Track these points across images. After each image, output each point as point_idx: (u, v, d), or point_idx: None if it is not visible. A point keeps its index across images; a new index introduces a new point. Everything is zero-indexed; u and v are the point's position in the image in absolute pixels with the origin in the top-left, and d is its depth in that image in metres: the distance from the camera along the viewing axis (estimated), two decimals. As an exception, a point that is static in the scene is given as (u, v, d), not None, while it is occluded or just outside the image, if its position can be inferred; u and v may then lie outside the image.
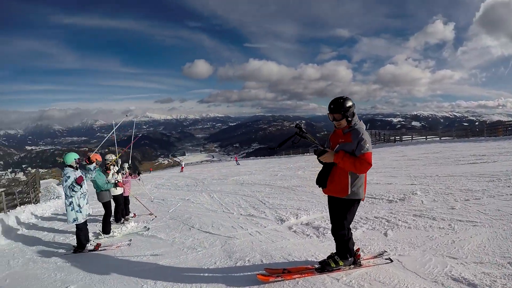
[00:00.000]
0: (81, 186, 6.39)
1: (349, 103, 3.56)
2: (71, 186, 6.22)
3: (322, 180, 3.73)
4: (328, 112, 3.66)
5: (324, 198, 8.22)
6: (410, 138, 32.39)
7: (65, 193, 6.42)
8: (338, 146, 3.63)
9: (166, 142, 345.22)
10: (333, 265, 3.85)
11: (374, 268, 3.88)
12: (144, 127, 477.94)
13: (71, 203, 6.38)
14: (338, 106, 3.56)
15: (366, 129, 3.66)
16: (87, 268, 5.44)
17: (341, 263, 3.84)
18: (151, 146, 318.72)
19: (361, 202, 3.83)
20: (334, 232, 3.84)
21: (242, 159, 59.34)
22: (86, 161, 7.08)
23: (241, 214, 8.06)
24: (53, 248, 7.19)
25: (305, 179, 13.08)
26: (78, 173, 6.53)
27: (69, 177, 6.28)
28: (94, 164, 6.89)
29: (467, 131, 29.18)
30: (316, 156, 3.74)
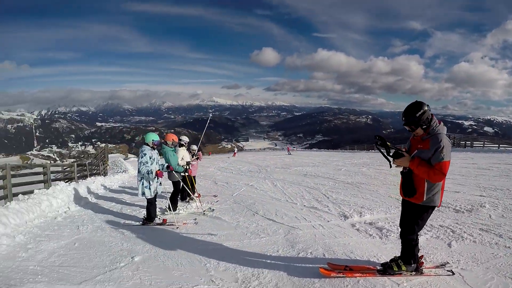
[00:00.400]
0: (155, 176, 6.82)
1: (420, 111, 3.46)
2: (145, 168, 6.68)
3: (408, 190, 3.65)
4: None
5: (389, 199, 8.17)
6: (482, 145, 30.51)
7: (138, 169, 6.86)
8: (416, 152, 3.57)
9: (231, 127, 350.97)
10: (395, 269, 3.85)
11: (435, 278, 3.82)
12: (210, 111, 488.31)
13: (141, 179, 6.84)
14: (408, 117, 3.51)
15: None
16: (153, 240, 5.77)
17: (403, 268, 3.83)
18: (216, 129, 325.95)
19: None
20: (402, 235, 3.83)
21: (305, 150, 58.93)
22: (164, 142, 7.61)
23: (304, 206, 8.14)
24: (120, 218, 7.66)
25: (369, 176, 12.84)
26: (155, 153, 6.98)
27: (145, 154, 6.75)
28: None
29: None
30: (391, 160, 3.68)
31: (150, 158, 6.81)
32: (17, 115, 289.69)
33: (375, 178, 11.94)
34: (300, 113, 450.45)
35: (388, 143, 3.65)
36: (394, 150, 3.66)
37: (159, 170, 6.81)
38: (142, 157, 6.76)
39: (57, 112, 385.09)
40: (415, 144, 3.66)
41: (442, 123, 3.57)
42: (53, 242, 5.78)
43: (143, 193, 6.86)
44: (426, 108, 3.48)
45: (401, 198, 3.87)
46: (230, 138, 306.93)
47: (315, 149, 65.77)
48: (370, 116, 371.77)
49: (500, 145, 28.85)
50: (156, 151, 7.07)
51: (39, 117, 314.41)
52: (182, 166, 8.35)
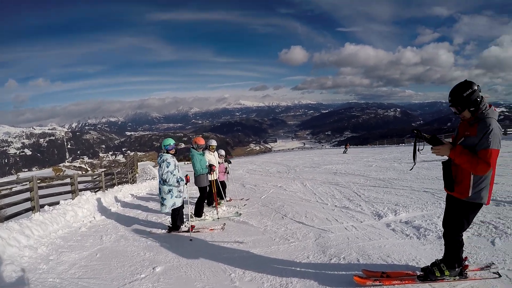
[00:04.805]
0: (186, 182, 6.71)
1: (468, 90, 3.12)
2: (174, 178, 6.53)
3: (448, 183, 3.37)
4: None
5: (424, 194, 7.80)
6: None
7: (163, 179, 6.58)
8: (463, 140, 3.25)
9: (258, 129, 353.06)
10: (438, 274, 3.53)
11: (480, 283, 3.51)
12: (237, 114, 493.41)
13: (170, 190, 6.62)
14: (455, 97, 3.19)
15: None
16: (176, 250, 5.65)
17: (447, 273, 3.51)
18: (244, 132, 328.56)
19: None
20: (446, 235, 3.51)
21: (335, 147, 58.22)
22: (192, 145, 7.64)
23: (335, 206, 7.87)
24: (145, 226, 7.61)
25: (402, 171, 12.37)
26: (175, 160, 6.82)
27: (169, 163, 6.53)
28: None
29: None
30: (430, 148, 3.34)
31: (174, 166, 6.66)
32: (49, 129, 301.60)
33: (407, 173, 11.49)
34: (327, 111, 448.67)
35: (425, 134, 3.32)
36: (431, 136, 3.31)
37: (187, 175, 6.67)
38: (167, 166, 6.53)
39: (87, 124, 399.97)
40: (462, 132, 3.32)
41: (493, 107, 3.18)
42: (75, 253, 5.80)
43: (173, 204, 6.69)
44: (475, 88, 3.13)
45: (439, 193, 3.58)
46: (258, 140, 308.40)
47: (343, 146, 64.88)
48: (398, 109, 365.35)
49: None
50: (175, 158, 6.93)
51: (70, 130, 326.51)
52: (206, 166, 8.20)
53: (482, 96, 3.16)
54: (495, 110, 3.18)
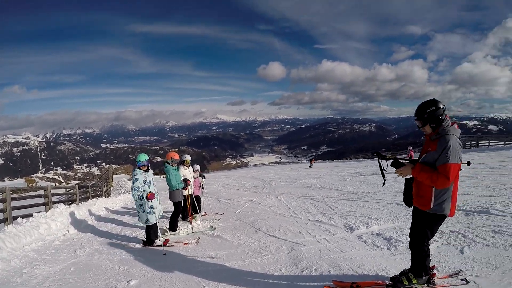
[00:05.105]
0: (149, 200, 6.51)
1: (432, 107, 3.30)
2: (136, 194, 6.40)
3: (406, 199, 3.55)
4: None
5: (396, 207, 7.93)
6: (487, 144, 30.53)
7: (132, 196, 6.58)
8: (425, 156, 3.39)
9: (235, 143, 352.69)
10: (406, 282, 3.60)
11: None
12: (214, 128, 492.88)
13: (141, 205, 6.61)
14: (419, 112, 3.36)
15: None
16: (151, 263, 5.59)
17: (414, 281, 3.58)
18: (220, 146, 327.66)
19: None
20: (412, 246, 3.59)
21: (321, 161, 58.72)
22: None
23: (309, 219, 7.91)
24: (120, 240, 7.50)
25: (375, 185, 12.59)
26: (149, 175, 6.72)
27: (137, 178, 6.46)
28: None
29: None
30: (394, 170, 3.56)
31: (144, 182, 6.56)
32: (22, 138, 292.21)
33: (380, 187, 11.68)
34: (303, 126, 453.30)
35: (387, 156, 3.61)
36: (393, 160, 3.55)
37: (150, 192, 6.43)
38: (134, 182, 6.49)
39: (62, 134, 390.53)
40: (426, 148, 3.48)
41: (456, 126, 3.36)
42: (48, 266, 5.65)
43: (147, 220, 6.65)
44: (440, 106, 3.31)
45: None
46: (234, 154, 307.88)
47: (319, 160, 65.50)
48: (373, 124, 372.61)
49: (506, 142, 28.66)
50: (150, 172, 6.84)
51: (44, 140, 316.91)
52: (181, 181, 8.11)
53: (445, 115, 3.32)
54: (457, 128, 3.33)
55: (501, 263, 4.13)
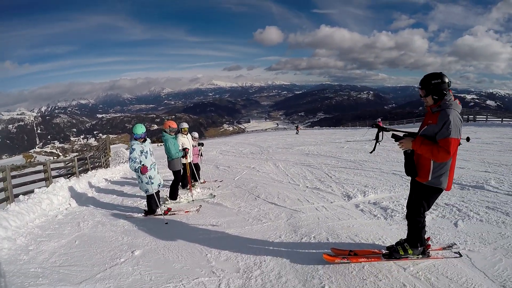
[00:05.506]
0: (144, 174, 6.45)
1: (436, 80, 3.28)
2: (133, 166, 6.35)
3: (411, 170, 3.49)
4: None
5: (392, 177, 8.05)
6: (485, 119, 30.53)
7: (130, 167, 6.54)
8: (425, 128, 3.39)
9: (232, 109, 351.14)
10: (401, 252, 3.71)
11: (442, 261, 3.69)
12: (210, 94, 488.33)
13: (139, 176, 6.58)
14: (424, 82, 3.33)
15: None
16: (153, 232, 5.66)
17: (410, 251, 3.69)
18: (217, 112, 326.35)
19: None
20: (409, 217, 3.66)
21: (307, 128, 58.82)
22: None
23: (307, 187, 8.03)
24: (122, 211, 7.51)
25: (372, 154, 12.63)
26: (146, 145, 6.65)
27: (134, 149, 6.39)
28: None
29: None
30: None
31: (141, 152, 6.51)
32: (17, 114, 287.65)
33: (378, 155, 11.78)
34: (300, 92, 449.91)
35: (387, 128, 3.59)
36: (392, 132, 3.57)
37: (143, 166, 6.37)
38: (130, 152, 6.44)
39: (57, 107, 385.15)
40: (426, 120, 3.46)
41: (458, 101, 3.33)
42: (53, 241, 5.66)
43: (147, 191, 6.66)
44: (446, 80, 3.29)
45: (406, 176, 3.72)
46: (231, 121, 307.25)
47: (317, 127, 65.51)
48: (371, 92, 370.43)
49: (503, 119, 28.73)
50: (148, 142, 6.79)
51: (39, 114, 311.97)
52: (180, 150, 8.11)
53: (449, 90, 3.30)
54: (459, 104, 3.31)
55: (493, 239, 4.21)
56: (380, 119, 25.82)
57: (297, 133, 36.54)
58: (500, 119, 29.09)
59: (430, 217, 5.14)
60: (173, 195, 7.88)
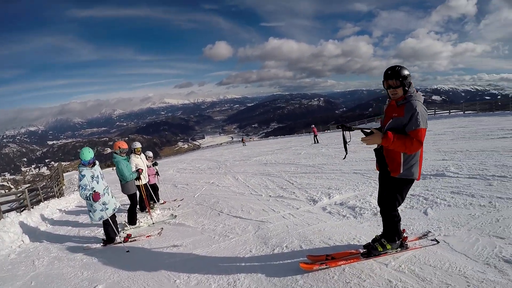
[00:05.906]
0: (96, 201, 5.97)
1: (407, 72, 3.25)
2: (84, 194, 5.83)
3: (382, 165, 3.45)
4: (383, 79, 3.33)
5: (354, 176, 8.02)
6: (433, 113, 32.20)
7: (80, 195, 6.00)
8: (390, 122, 3.31)
9: (185, 126, 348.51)
10: (380, 249, 3.58)
11: (421, 251, 3.63)
12: (162, 113, 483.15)
13: (92, 204, 6.05)
14: (396, 72, 3.24)
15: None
16: (115, 263, 5.21)
17: (388, 246, 3.58)
18: (171, 131, 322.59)
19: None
20: (383, 213, 3.56)
21: (262, 139, 59.31)
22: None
23: (270, 196, 7.81)
24: (79, 243, 6.95)
25: (330, 156, 12.77)
26: (96, 170, 6.14)
27: (83, 175, 5.89)
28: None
29: (492, 105, 28.57)
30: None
31: (92, 177, 6.00)
32: None
33: (336, 157, 11.88)
34: (252, 104, 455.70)
35: (352, 127, 3.45)
36: (360, 128, 3.45)
37: (95, 192, 5.86)
38: (80, 179, 5.93)
39: (5, 136, 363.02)
40: (390, 114, 3.38)
41: (419, 92, 3.34)
42: (7, 285, 5.09)
43: (101, 218, 6.13)
44: (410, 73, 3.28)
45: (368, 173, 3.60)
46: (186, 138, 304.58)
47: (271, 137, 66.15)
48: (321, 99, 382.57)
49: (451, 111, 30.38)
50: (97, 165, 6.26)
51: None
52: (133, 171, 7.64)
53: (411, 83, 3.29)
54: (420, 94, 3.33)
55: (465, 221, 4.23)
56: (313, 126, 26.86)
57: (244, 145, 36.99)
58: (448, 111, 30.87)
59: (398, 209, 5.07)
60: (132, 220, 7.38)
